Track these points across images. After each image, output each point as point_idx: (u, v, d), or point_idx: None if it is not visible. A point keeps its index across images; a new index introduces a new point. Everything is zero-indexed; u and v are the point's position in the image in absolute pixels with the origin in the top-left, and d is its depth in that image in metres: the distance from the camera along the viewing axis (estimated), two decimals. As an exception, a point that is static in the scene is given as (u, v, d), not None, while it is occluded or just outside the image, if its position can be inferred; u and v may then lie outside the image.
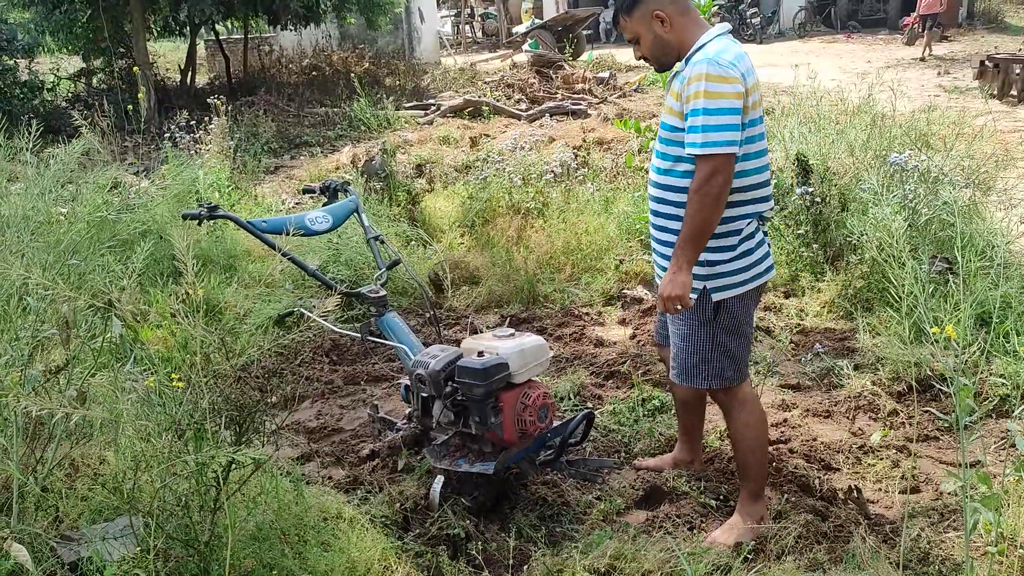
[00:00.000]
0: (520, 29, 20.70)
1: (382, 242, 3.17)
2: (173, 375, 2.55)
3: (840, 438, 3.34)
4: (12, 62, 11.80)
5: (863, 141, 5.57)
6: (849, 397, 3.64)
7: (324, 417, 3.78)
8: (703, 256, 2.41)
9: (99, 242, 5.89)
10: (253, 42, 16.35)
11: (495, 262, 5.36)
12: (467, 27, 26.80)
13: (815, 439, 3.31)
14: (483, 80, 14.66)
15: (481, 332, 3.92)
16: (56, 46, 13.40)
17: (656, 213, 2.53)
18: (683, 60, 2.41)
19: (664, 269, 2.49)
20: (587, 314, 4.81)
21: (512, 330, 2.71)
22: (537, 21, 20.29)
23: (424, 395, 2.69)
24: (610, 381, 3.94)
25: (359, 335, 2.99)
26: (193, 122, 7.75)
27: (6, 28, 11.88)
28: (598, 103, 12.25)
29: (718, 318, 2.48)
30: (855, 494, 2.77)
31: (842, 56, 16.89)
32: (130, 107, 7.13)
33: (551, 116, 11.28)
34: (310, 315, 3.02)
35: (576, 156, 7.84)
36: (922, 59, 15.03)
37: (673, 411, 3.56)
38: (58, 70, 13.32)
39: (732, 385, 2.58)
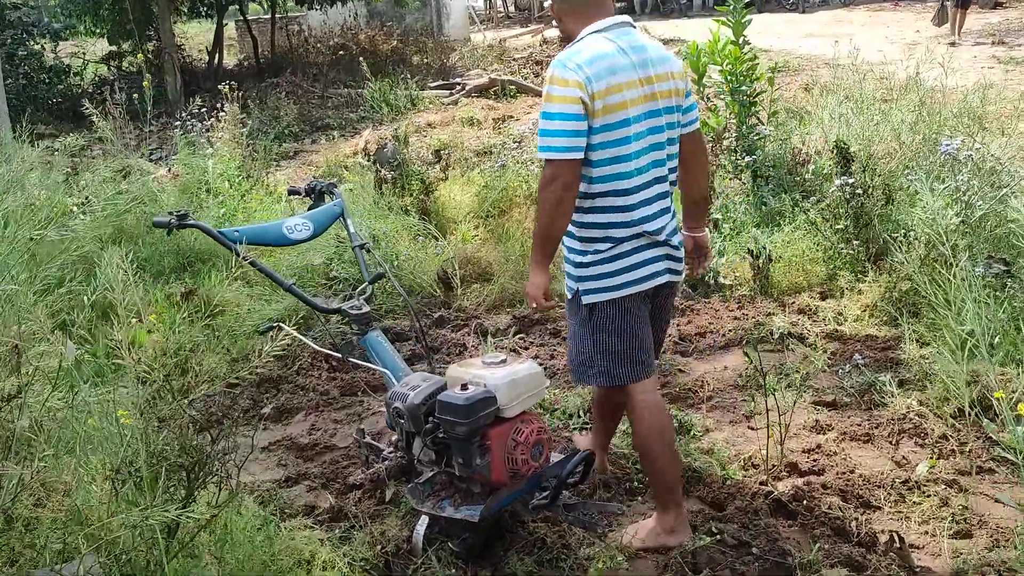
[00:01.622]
0: (549, 3, 20.10)
1: (368, 251, 2.88)
2: (121, 412, 2.29)
3: (881, 469, 2.98)
4: (38, 46, 11.74)
5: (910, 123, 5.13)
6: (892, 419, 3.26)
7: (317, 432, 3.53)
8: (575, 258, 2.49)
9: (104, 237, 5.72)
10: (281, 22, 16.12)
11: (509, 257, 5.05)
12: (499, 1, 26.27)
13: (853, 471, 2.96)
14: (511, 57, 14.25)
15: (474, 353, 3.65)
16: (83, 30, 13.31)
17: None
18: None
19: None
20: (606, 316, 4.48)
21: (503, 355, 2.40)
22: (570, -5, 19.68)
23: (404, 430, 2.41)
24: (626, 394, 3.62)
25: (341, 354, 2.71)
26: (205, 108, 7.52)
27: (32, 12, 11.80)
28: (630, 81, 11.78)
29: (594, 319, 2.49)
30: (897, 544, 2.43)
31: (889, 26, 16.08)
32: (136, 95, 6.93)
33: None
34: (291, 332, 2.75)
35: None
36: (952, 44, 12.42)
37: (692, 433, 3.24)
38: (84, 54, 13.25)
39: (624, 384, 2.54)
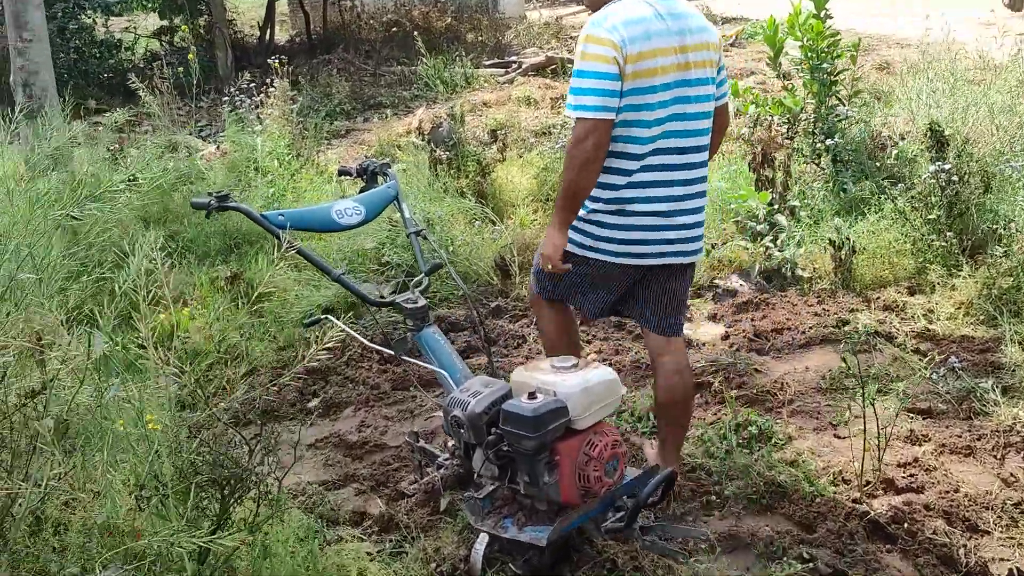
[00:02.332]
0: (608, -21, 19.57)
1: (424, 238, 2.64)
2: (148, 417, 2.10)
3: (988, 487, 2.67)
4: (90, 20, 11.74)
5: (1008, 105, 4.71)
6: (997, 430, 2.94)
7: (367, 429, 3.33)
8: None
9: (149, 216, 5.60)
10: (333, -3, 15.95)
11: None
12: (554, -22, 25.75)
13: (956, 489, 2.65)
14: (568, 35, 13.86)
15: (533, 346, 3.38)
16: (135, 4, 13.30)
17: None
18: None
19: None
20: (672, 308, 4.20)
21: (574, 358, 2.15)
22: (626, -30, 19.13)
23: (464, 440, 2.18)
24: (698, 395, 3.34)
25: (394, 352, 2.49)
26: (255, 84, 7.36)
27: (84, -14, 11.79)
28: (690, 59, 11.35)
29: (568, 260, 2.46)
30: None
31: (958, 7, 15.27)
32: (181, 70, 6.79)
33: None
34: (339, 325, 2.54)
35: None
36: None
37: (773, 442, 2.96)
38: (135, 28, 13.24)
39: (536, 294, 2.70)
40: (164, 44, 13.47)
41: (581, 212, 2.43)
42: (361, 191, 2.94)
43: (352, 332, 2.61)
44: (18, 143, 7.79)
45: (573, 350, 2.73)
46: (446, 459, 2.44)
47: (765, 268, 4.22)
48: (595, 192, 2.40)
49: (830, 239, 4.08)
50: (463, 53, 11.47)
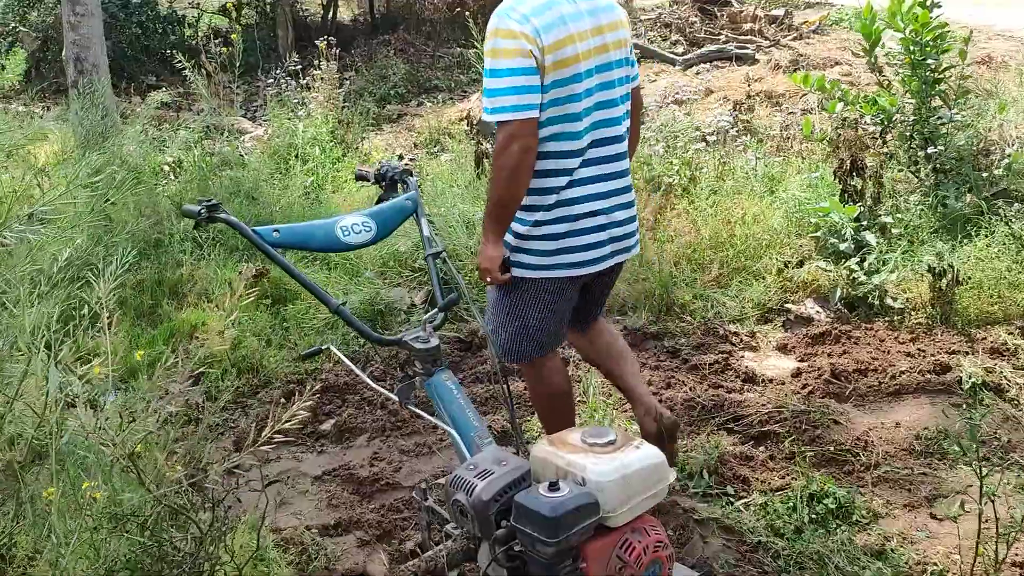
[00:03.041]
0: (684, -39, 18.77)
1: (444, 261, 2.21)
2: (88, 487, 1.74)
3: None
4: (154, -6, 11.64)
5: None
6: None
7: (380, 463, 2.94)
8: (514, 226, 2.25)
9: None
10: (399, -24, 15.60)
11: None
12: (627, -40, 24.96)
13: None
14: (637, 18, 13.22)
15: (574, 379, 2.87)
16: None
17: None
18: None
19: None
20: (736, 334, 3.70)
21: (612, 433, 1.70)
22: (704, -48, 18.30)
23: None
24: (761, 448, 2.86)
25: (399, 399, 2.08)
26: (301, 67, 7.02)
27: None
28: (768, 47, 10.63)
29: (517, 291, 2.31)
30: None
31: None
32: (234, 48, 6.48)
33: (711, 62, 9.85)
34: (340, 357, 2.15)
35: (736, 115, 6.54)
36: None
37: (853, 519, 2.47)
38: (199, 4, 13.11)
39: (524, 361, 2.44)
40: (230, 21, 13.34)
41: (521, 229, 2.25)
42: (379, 200, 2.53)
43: (352, 366, 2.21)
44: (67, 118, 7.67)
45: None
46: (454, 527, 2.02)
47: (848, 294, 3.68)
48: (533, 201, 2.22)
49: (928, 265, 3.51)
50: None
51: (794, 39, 11.23)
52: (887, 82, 4.51)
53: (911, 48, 4.11)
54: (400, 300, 4.07)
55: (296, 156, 5.85)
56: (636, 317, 3.88)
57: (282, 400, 3.32)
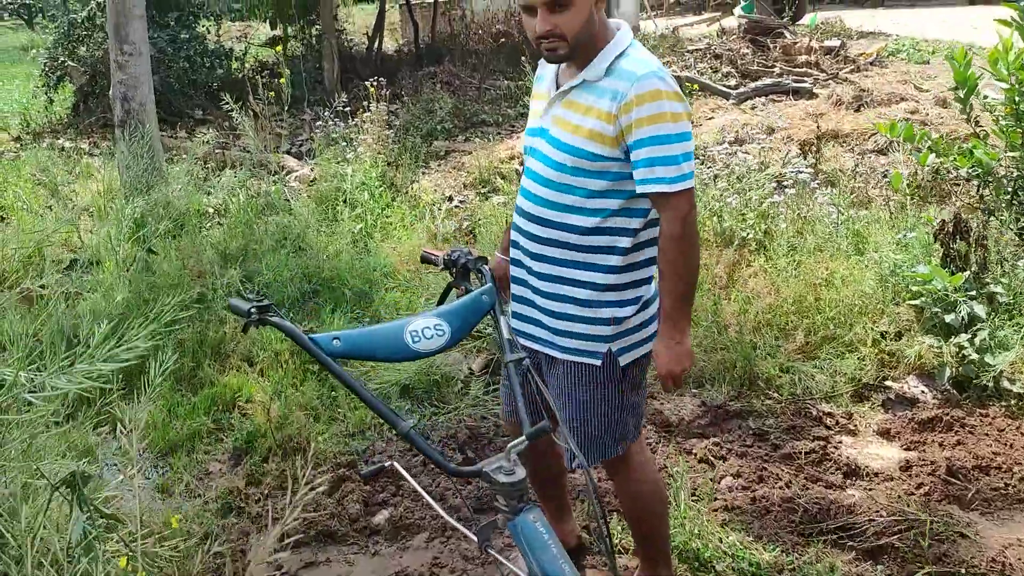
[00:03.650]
0: (731, -11, 18.49)
1: (529, 370, 1.90)
2: None
3: None
4: (203, 29, 11.66)
5: None
6: None
7: (440, 571, 2.64)
8: (610, 312, 2.06)
9: (230, 251, 5.12)
10: (444, 6, 15.54)
11: (697, 315, 3.99)
12: (670, -13, 24.71)
13: None
14: (686, 49, 12.94)
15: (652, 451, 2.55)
16: (244, 12, 13.22)
17: (541, 260, 2.10)
18: (593, 64, 1.94)
19: (536, 338, 2.18)
20: (830, 415, 3.34)
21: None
22: (752, -20, 18.00)
23: None
24: (880, 567, 2.50)
25: (478, 540, 1.78)
26: (349, 109, 6.83)
27: (198, -6, 11.71)
28: (826, 80, 10.26)
29: (626, 379, 2.12)
30: None
31: None
32: (283, 81, 6.34)
33: (766, 96, 9.51)
34: (407, 477, 1.86)
35: (805, 156, 6.19)
36: None
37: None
38: (247, 36, 13.15)
39: (631, 443, 2.22)
40: (276, 54, 13.34)
41: (626, 312, 2.06)
42: (448, 288, 2.25)
43: (420, 490, 1.91)
44: (113, 153, 7.58)
45: None
46: None
47: (957, 373, 3.31)
48: (639, 276, 2.06)
49: (1051, 342, 3.14)
50: (575, 68, 10.76)
51: (852, 72, 10.84)
52: (983, 132, 4.14)
53: (1016, 99, 3.75)
54: (457, 368, 3.78)
55: (344, 201, 5.64)
56: (715, 391, 3.55)
57: (331, 487, 3.04)
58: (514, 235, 2.18)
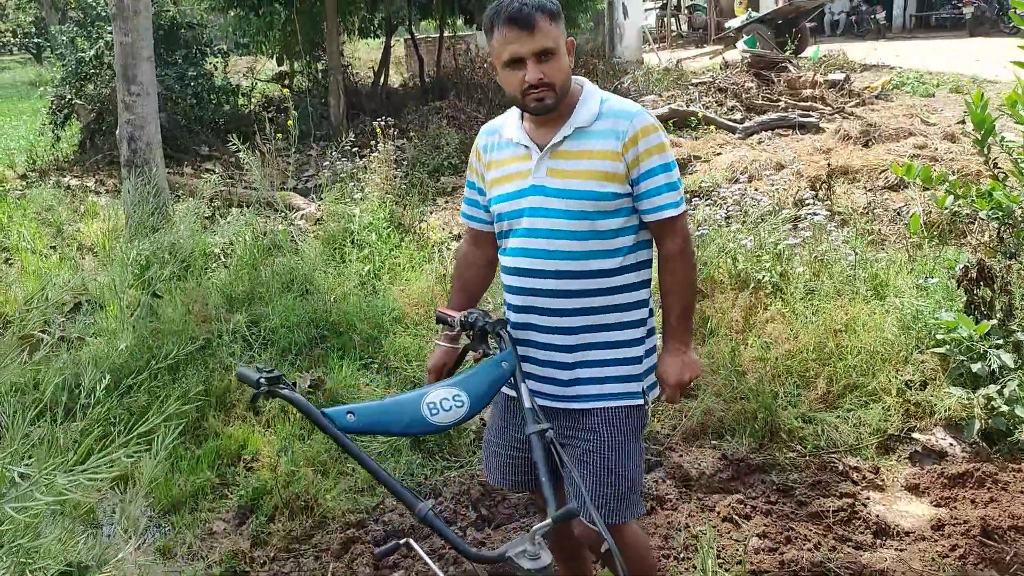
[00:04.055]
0: (734, 23, 18.61)
1: (552, 443, 1.80)
2: None
3: None
4: (210, 66, 11.71)
5: None
6: None
7: (455, 640, 2.53)
8: (636, 351, 2.07)
9: (236, 294, 5.05)
10: (449, 41, 15.65)
11: (715, 362, 3.90)
12: (672, 20, 24.92)
13: None
14: (689, 82, 12.98)
15: (672, 506, 2.45)
16: (251, 48, 13.29)
17: (568, 315, 2.04)
18: (578, 112, 1.99)
19: (565, 396, 2.08)
20: (856, 469, 3.23)
21: None
22: (754, 14, 18.15)
23: None
24: (916, 638, 2.38)
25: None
26: (356, 149, 6.80)
27: (205, 32, 11.79)
28: (832, 114, 10.25)
29: (641, 425, 2.13)
30: None
31: None
32: (290, 119, 6.31)
33: (772, 130, 9.49)
34: (425, 559, 1.76)
35: (816, 193, 6.12)
36: None
37: None
38: (253, 72, 13.21)
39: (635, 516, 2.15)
40: (281, 90, 13.39)
41: (653, 337, 2.12)
42: (464, 350, 2.17)
43: (438, 571, 1.81)
44: (119, 191, 7.55)
45: None
46: None
47: (986, 425, 3.20)
48: (643, 296, 2.06)
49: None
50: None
51: (857, 105, 10.84)
52: (1003, 175, 4.06)
53: (1038, 141, 3.68)
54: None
55: (352, 242, 5.58)
56: (736, 443, 3.45)
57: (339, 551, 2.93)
58: (516, 299, 2.10)
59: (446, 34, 15.25)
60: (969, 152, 7.68)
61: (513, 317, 2.12)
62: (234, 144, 6.23)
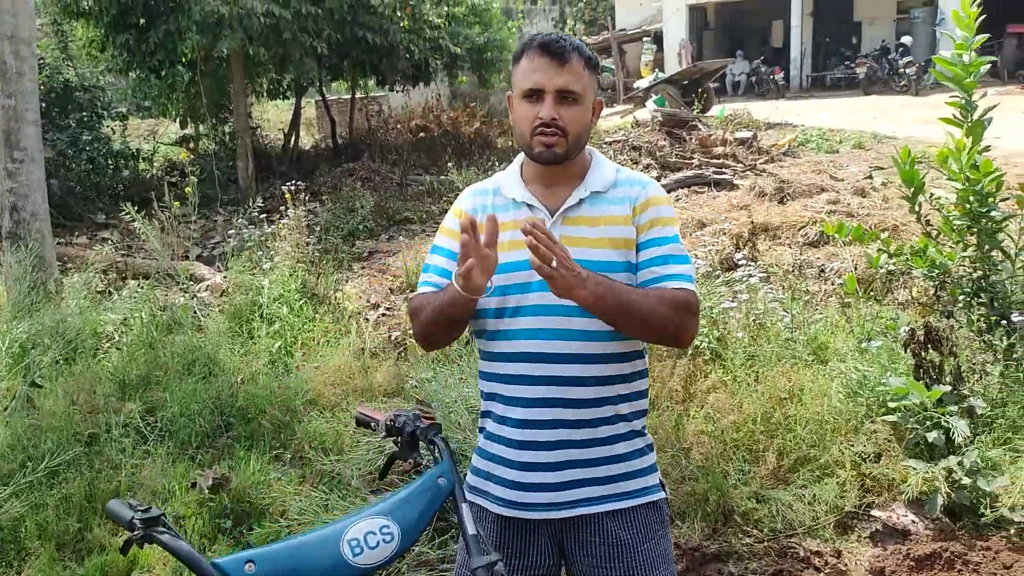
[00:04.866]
0: (642, 83, 19.11)
1: (503, 579, 1.48)
2: None
3: None
4: (109, 129, 11.12)
5: None
6: None
7: None
8: (644, 443, 1.87)
9: (130, 379, 4.54)
10: (361, 102, 15.44)
11: (660, 437, 3.64)
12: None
13: None
14: (603, 140, 13.10)
15: None
16: (154, 111, 12.75)
17: (589, 406, 1.77)
18: (593, 175, 1.81)
19: (591, 499, 1.78)
20: (817, 554, 3.00)
21: None
22: (662, 75, 18.68)
23: None
24: None
25: None
26: (264, 216, 6.41)
27: (103, 94, 11.21)
28: (744, 171, 10.43)
29: None
30: None
31: (1026, 111, 14.39)
32: (188, 188, 5.90)
33: (688, 187, 9.57)
34: None
35: (739, 250, 6.07)
36: None
37: None
38: (156, 135, 12.65)
39: None
40: (188, 152, 12.81)
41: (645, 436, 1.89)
42: (389, 460, 1.83)
43: None
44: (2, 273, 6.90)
45: None
46: None
47: (949, 500, 3.03)
48: (643, 386, 1.86)
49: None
50: (496, 161, 10.65)
51: (767, 162, 11.08)
52: (933, 232, 4.02)
53: (971, 199, 3.63)
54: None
55: (261, 316, 5.15)
56: (688, 529, 3.17)
57: None
58: (526, 390, 1.77)
59: (358, 95, 15.05)
60: (882, 207, 7.86)
61: (519, 414, 1.77)
62: (128, 212, 5.74)
